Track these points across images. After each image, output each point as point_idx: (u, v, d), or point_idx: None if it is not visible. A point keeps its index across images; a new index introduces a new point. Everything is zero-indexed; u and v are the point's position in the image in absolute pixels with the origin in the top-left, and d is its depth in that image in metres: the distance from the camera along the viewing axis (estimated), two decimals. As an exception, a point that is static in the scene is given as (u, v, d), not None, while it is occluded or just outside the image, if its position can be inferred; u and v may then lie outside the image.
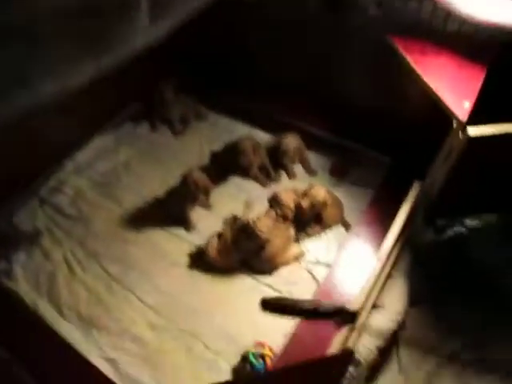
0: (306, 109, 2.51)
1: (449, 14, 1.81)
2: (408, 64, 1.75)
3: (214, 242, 1.91)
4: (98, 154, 2.52)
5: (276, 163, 2.33)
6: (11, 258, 2.00)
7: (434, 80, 1.66)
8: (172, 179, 2.25)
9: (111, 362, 1.67)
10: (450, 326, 1.84)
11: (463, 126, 1.50)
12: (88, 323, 1.79)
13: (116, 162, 2.48)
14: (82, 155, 2.49)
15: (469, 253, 2.04)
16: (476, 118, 1.49)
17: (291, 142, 2.27)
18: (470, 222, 2.10)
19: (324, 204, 1.91)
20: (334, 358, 1.06)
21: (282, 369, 1.21)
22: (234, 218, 2.03)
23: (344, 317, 1.53)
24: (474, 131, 1.47)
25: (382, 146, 2.26)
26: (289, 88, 2.54)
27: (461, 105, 1.56)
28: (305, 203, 1.87)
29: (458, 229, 2.10)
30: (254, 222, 1.82)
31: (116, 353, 1.70)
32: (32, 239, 2.10)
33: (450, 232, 2.10)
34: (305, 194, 1.92)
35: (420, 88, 1.70)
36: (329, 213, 1.96)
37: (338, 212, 2.01)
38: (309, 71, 2.47)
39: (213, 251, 1.88)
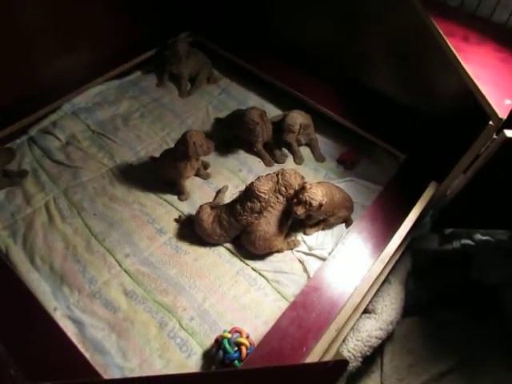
0: (325, 90, 2.33)
1: (498, 3, 1.64)
2: (448, 49, 1.58)
3: (207, 213, 1.77)
4: (97, 101, 2.35)
5: (282, 142, 2.17)
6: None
7: (475, 71, 1.51)
8: (172, 141, 2.11)
9: (77, 323, 1.56)
10: (441, 343, 1.75)
11: (500, 126, 1.35)
12: (60, 278, 1.68)
13: (115, 113, 2.32)
14: (81, 100, 2.33)
15: (472, 269, 1.93)
16: None
17: (298, 118, 2.08)
18: (480, 237, 1.98)
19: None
20: (326, 366, 0.95)
21: (267, 367, 1.10)
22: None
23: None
24: (511, 133, 1.33)
25: (400, 142, 2.10)
26: (310, 67, 2.36)
27: (501, 102, 1.40)
28: (300, 211, 1.67)
29: (466, 242, 1.98)
30: (254, 183, 1.73)
31: (84, 315, 1.58)
32: (15, 178, 1.96)
33: (456, 244, 1.98)
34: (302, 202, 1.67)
35: (454, 81, 1.55)
36: (333, 218, 1.83)
37: (345, 214, 1.87)
38: (335, 52, 2.29)
39: (204, 222, 1.75)
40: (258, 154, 2.16)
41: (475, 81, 1.48)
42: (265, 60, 2.48)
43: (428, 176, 1.89)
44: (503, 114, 1.39)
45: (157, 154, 2.04)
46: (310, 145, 2.21)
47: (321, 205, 1.65)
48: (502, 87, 1.50)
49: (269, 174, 1.82)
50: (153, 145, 2.18)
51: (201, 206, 1.81)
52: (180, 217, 1.88)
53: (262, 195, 1.71)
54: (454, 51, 1.58)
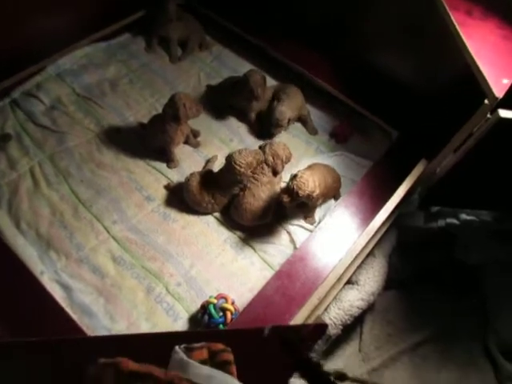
0: (321, 63, 2.29)
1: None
2: (451, 24, 1.56)
3: (196, 181, 1.77)
4: (83, 64, 2.27)
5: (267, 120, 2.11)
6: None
7: (475, 47, 1.49)
8: (161, 107, 2.05)
9: (65, 287, 1.57)
10: (419, 316, 1.81)
11: (495, 105, 1.35)
12: (46, 244, 1.67)
13: (102, 77, 2.24)
14: (66, 62, 2.24)
15: (455, 248, 1.98)
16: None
17: (287, 112, 2.01)
18: (465, 217, 2.02)
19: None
20: (307, 328, 0.99)
21: (250, 328, 1.14)
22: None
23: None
24: (505, 113, 1.33)
25: (393, 118, 2.09)
26: (308, 38, 2.30)
27: (498, 80, 1.40)
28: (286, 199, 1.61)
29: (451, 220, 2.02)
30: (233, 154, 1.69)
31: (72, 280, 1.59)
32: (-2, 142, 1.90)
33: (441, 222, 2.02)
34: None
35: (454, 56, 1.53)
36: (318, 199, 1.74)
37: (334, 193, 1.87)
38: (334, 25, 2.23)
39: (193, 190, 1.75)
40: (250, 124, 2.13)
41: (475, 57, 1.47)
42: (260, 28, 2.41)
43: (419, 153, 1.90)
44: (499, 93, 1.38)
45: (146, 121, 2.01)
46: (302, 120, 2.18)
47: (309, 196, 1.57)
48: (500, 66, 1.48)
49: (255, 149, 1.80)
50: (142, 111, 2.14)
51: (191, 174, 1.80)
52: (169, 184, 1.87)
53: (237, 168, 1.67)
54: (457, 26, 1.55)
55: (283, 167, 1.83)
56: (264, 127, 2.10)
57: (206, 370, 0.69)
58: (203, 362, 0.72)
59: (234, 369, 0.75)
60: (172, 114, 1.80)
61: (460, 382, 1.70)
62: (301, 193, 1.54)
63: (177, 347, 0.73)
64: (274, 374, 0.87)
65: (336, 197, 1.90)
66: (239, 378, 0.73)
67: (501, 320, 1.85)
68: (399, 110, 2.07)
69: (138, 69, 2.32)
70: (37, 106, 2.06)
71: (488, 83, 1.40)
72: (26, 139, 1.96)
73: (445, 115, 1.73)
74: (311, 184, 1.56)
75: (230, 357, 0.76)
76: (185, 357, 0.70)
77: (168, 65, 2.38)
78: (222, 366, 0.74)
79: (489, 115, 1.40)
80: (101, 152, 1.97)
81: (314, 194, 1.57)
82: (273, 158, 1.77)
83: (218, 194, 1.75)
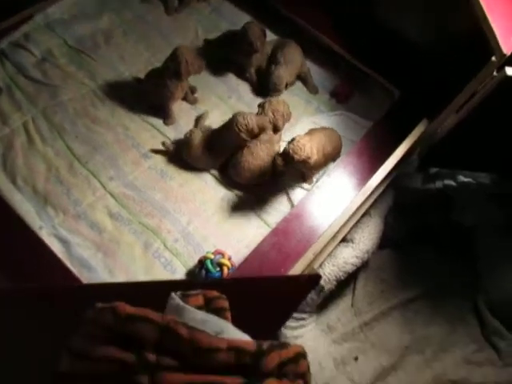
0: (324, 18, 2.19)
1: None
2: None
3: (198, 136, 1.74)
4: (74, 13, 2.17)
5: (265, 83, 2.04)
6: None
7: (486, 1, 1.43)
8: (157, 61, 2.01)
9: (63, 242, 1.58)
10: (412, 275, 1.86)
11: (503, 63, 1.32)
12: (43, 199, 1.67)
13: (96, 28, 2.15)
14: (55, 10, 2.14)
15: (451, 209, 1.99)
16: None
17: (284, 77, 1.96)
18: (463, 179, 2.02)
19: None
20: (301, 279, 1.01)
21: (246, 278, 1.16)
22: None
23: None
24: None
25: (396, 77, 2.03)
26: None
27: (508, 38, 1.36)
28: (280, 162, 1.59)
29: (448, 182, 2.02)
30: (237, 116, 1.68)
31: (70, 235, 1.60)
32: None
33: (438, 183, 2.02)
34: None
35: (463, 10, 1.46)
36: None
37: (332, 159, 1.83)
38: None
39: (194, 145, 1.73)
40: (249, 80, 2.08)
41: (486, 12, 1.41)
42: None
43: (420, 113, 1.86)
44: (507, 51, 1.34)
45: (142, 76, 1.95)
46: (302, 78, 2.11)
47: (305, 161, 1.53)
48: (510, 23, 1.43)
49: (261, 116, 1.74)
50: (137, 66, 2.06)
51: (191, 130, 1.78)
52: (165, 143, 1.84)
53: (237, 131, 1.65)
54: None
55: (284, 124, 1.80)
56: (263, 87, 2.05)
57: (202, 314, 0.70)
58: (199, 308, 0.74)
59: (228, 315, 0.77)
60: (173, 69, 1.75)
61: (448, 336, 1.77)
62: (296, 157, 1.51)
63: (173, 293, 0.74)
64: (267, 322, 0.90)
65: (335, 159, 1.88)
66: (233, 324, 0.75)
67: (491, 279, 1.90)
68: (402, 68, 2.01)
69: (132, 20, 2.23)
70: (27, 58, 1.99)
71: (497, 39, 1.36)
72: (17, 93, 1.90)
73: (449, 74, 1.69)
74: (308, 150, 1.52)
75: (225, 304, 0.78)
76: (181, 302, 0.71)
77: (163, 17, 2.28)
78: (218, 311, 0.76)
79: (495, 73, 1.37)
80: (96, 107, 1.92)
81: (310, 161, 1.54)
82: (273, 114, 1.74)
83: (217, 151, 1.74)
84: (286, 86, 2.03)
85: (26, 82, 1.94)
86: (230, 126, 1.68)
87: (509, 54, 1.35)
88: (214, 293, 0.78)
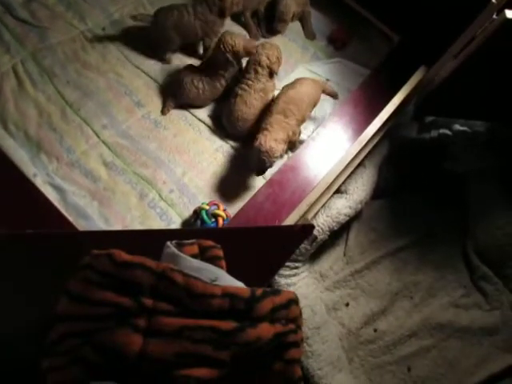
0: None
1: None
2: None
3: (189, 71, 1.73)
4: None
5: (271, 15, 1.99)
6: None
7: None
8: (148, 3, 1.91)
9: (58, 189, 1.58)
10: (403, 224, 1.89)
11: (502, 5, 1.27)
12: (36, 146, 1.64)
13: (84, -35, 2.02)
14: None
15: (446, 157, 1.99)
16: None
17: (292, 5, 1.91)
18: (458, 127, 2.01)
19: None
20: (294, 229, 1.03)
21: (240, 228, 1.19)
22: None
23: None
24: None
25: (395, 21, 1.95)
26: None
27: None
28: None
29: (444, 131, 2.01)
30: (224, 34, 1.65)
31: (64, 182, 1.60)
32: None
33: (434, 133, 2.01)
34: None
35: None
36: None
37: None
38: None
39: (187, 81, 1.71)
40: (244, 25, 1.99)
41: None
42: None
43: (419, 60, 1.82)
44: (507, -9, 1.29)
45: (131, 19, 1.85)
46: (302, 19, 2.03)
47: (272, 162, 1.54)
48: None
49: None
50: (128, 7, 1.97)
51: (184, 67, 1.75)
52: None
53: (223, 49, 1.63)
54: None
55: (278, 67, 1.75)
56: (264, 25, 1.99)
57: (197, 262, 0.72)
58: (194, 257, 0.76)
59: (223, 263, 0.79)
60: (219, 6, 1.72)
61: (437, 281, 1.84)
62: (271, 162, 1.52)
63: (168, 242, 0.76)
64: (260, 271, 0.93)
65: (334, 96, 1.79)
66: (228, 273, 0.77)
67: (481, 225, 1.94)
68: (401, 13, 1.92)
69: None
70: (14, -2, 1.88)
71: None
72: (5, 34, 1.82)
73: (448, 18, 1.63)
74: (277, 152, 1.51)
75: (220, 253, 0.80)
76: (176, 251, 0.73)
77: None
78: (212, 260, 0.78)
79: (495, 16, 1.32)
80: (86, 51, 1.85)
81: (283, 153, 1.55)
82: (268, 59, 1.68)
83: (210, 81, 1.71)
84: (293, 18, 1.97)
85: (13, 22, 1.85)
86: (218, 44, 1.65)
87: None
88: (209, 242, 0.80)
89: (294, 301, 0.74)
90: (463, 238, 1.95)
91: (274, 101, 1.64)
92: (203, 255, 0.78)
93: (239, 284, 0.74)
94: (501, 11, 1.31)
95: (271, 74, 1.71)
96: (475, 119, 2.01)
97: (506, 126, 1.99)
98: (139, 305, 0.63)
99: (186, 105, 1.78)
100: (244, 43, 1.65)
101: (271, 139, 1.50)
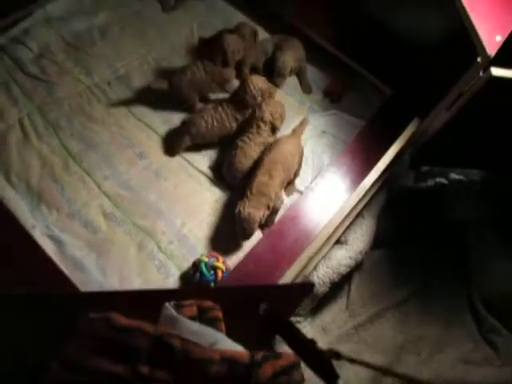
0: (317, 16, 2.19)
1: None
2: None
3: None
4: (72, 10, 2.16)
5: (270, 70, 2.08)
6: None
7: (469, 1, 1.45)
8: (153, 60, 2.00)
9: (56, 241, 1.57)
10: (404, 274, 1.87)
11: (487, 63, 1.33)
12: (37, 197, 1.66)
13: (92, 24, 2.14)
14: (54, 7, 2.13)
15: (442, 206, 2.01)
16: (504, 57, 1.32)
17: (289, 62, 2.00)
18: (454, 176, 2.04)
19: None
20: (293, 288, 1.02)
21: (238, 286, 1.17)
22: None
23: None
24: (497, 72, 1.32)
25: (387, 75, 2.04)
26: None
27: (492, 38, 1.37)
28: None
29: (440, 180, 2.04)
30: (251, 76, 1.84)
31: (63, 234, 1.59)
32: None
33: (430, 182, 2.04)
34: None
35: (448, 11, 1.48)
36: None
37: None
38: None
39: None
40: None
41: (469, 13, 1.42)
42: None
43: (412, 112, 1.87)
44: (492, 51, 1.35)
45: (137, 73, 1.97)
46: (299, 73, 2.12)
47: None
48: (494, 22, 1.44)
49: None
50: (133, 63, 2.06)
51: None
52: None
53: (250, 88, 1.75)
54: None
55: (281, 124, 1.80)
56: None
57: (196, 326, 0.71)
58: (193, 319, 0.74)
59: (222, 325, 0.78)
60: (222, 59, 1.89)
61: (443, 334, 1.78)
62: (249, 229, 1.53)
63: (167, 304, 0.74)
64: (261, 331, 0.90)
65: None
66: (227, 334, 0.75)
67: (483, 273, 1.91)
68: (393, 67, 2.01)
69: (129, 17, 2.21)
70: (25, 53, 1.99)
71: (481, 40, 1.37)
72: (14, 88, 1.90)
73: (439, 73, 1.70)
74: (257, 218, 1.52)
75: (219, 314, 0.79)
76: (175, 313, 0.72)
77: (160, 13, 2.26)
78: (212, 322, 0.77)
79: (481, 73, 1.38)
80: (91, 105, 1.91)
81: (254, 224, 1.53)
82: (271, 115, 1.74)
83: (220, 118, 1.79)
84: (291, 72, 2.06)
85: (23, 77, 1.93)
86: (242, 85, 1.79)
87: (493, 54, 1.36)
88: (208, 303, 0.78)
89: (295, 365, 0.72)
90: (467, 287, 1.92)
91: (257, 163, 1.67)
92: (202, 317, 0.77)
93: (239, 348, 0.72)
94: (487, 68, 1.37)
95: (273, 129, 1.76)
96: (470, 168, 2.05)
97: (499, 176, 2.02)
98: (135, 372, 0.61)
99: (196, 141, 1.81)
100: (266, 87, 1.77)
101: (250, 206, 1.53)
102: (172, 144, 1.83)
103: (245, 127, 1.79)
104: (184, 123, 1.80)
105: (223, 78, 1.92)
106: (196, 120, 1.77)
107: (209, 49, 1.91)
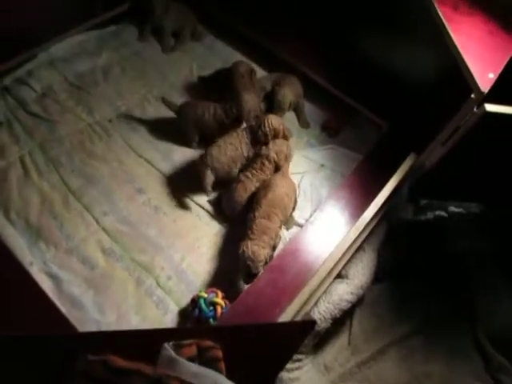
0: (312, 53, 2.28)
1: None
2: (438, 18, 1.58)
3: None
4: (76, 52, 2.25)
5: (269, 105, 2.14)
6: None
7: (461, 41, 1.51)
8: (153, 98, 2.06)
9: (54, 278, 1.56)
10: (407, 309, 1.84)
11: (481, 100, 1.37)
12: (36, 233, 1.65)
13: (94, 65, 2.22)
14: (58, 49, 2.22)
15: (443, 239, 2.00)
16: (497, 93, 1.36)
17: (288, 96, 2.08)
18: (453, 209, 2.04)
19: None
20: (294, 326, 1.00)
21: (238, 325, 1.14)
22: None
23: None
24: (491, 107, 1.35)
25: (383, 111, 2.09)
26: (299, 26, 2.30)
27: (484, 75, 1.42)
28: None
29: (439, 213, 2.04)
30: (270, 115, 1.86)
31: (61, 271, 1.58)
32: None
33: (429, 215, 2.04)
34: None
35: (441, 50, 1.55)
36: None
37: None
38: (324, 15, 2.22)
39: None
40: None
41: (461, 52, 1.48)
42: (251, 18, 2.39)
43: (408, 146, 1.91)
44: (485, 88, 1.40)
45: (138, 112, 2.01)
46: (297, 109, 2.18)
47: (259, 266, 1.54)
48: (486, 60, 1.50)
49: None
50: (134, 102, 2.12)
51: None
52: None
53: (266, 126, 1.80)
54: (444, 20, 1.56)
55: (286, 163, 1.84)
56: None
57: (195, 367, 0.69)
58: (192, 359, 0.72)
59: (222, 365, 0.76)
60: (236, 115, 1.92)
61: (449, 372, 1.72)
62: (254, 268, 1.52)
63: (166, 344, 0.73)
64: (261, 370, 0.88)
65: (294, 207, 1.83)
66: (228, 374, 0.73)
67: (489, 311, 1.87)
68: (389, 103, 2.07)
69: (130, 57, 2.30)
70: (28, 94, 2.04)
71: (474, 78, 1.42)
72: (17, 127, 1.94)
73: (434, 109, 1.75)
74: (262, 257, 1.52)
75: (219, 354, 0.77)
76: (173, 354, 0.70)
77: (160, 54, 2.36)
78: (211, 362, 0.75)
79: (475, 109, 1.41)
80: (92, 142, 1.95)
81: (259, 262, 1.52)
82: (276, 155, 1.78)
83: (233, 147, 1.82)
84: (290, 107, 2.12)
85: (25, 116, 1.98)
86: (259, 122, 1.84)
87: (486, 91, 1.40)
88: (208, 342, 0.77)
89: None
90: (471, 322, 1.88)
91: (254, 204, 1.66)
92: (202, 357, 0.75)
93: (239, 389, 0.70)
94: (481, 104, 1.41)
95: (277, 168, 1.80)
96: (468, 202, 2.06)
97: (497, 208, 2.03)
98: (133, 417, 0.59)
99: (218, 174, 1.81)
100: (280, 128, 1.83)
101: (253, 245, 1.52)
102: (200, 185, 1.80)
103: (249, 163, 1.83)
104: (201, 157, 1.82)
105: (228, 129, 1.93)
106: (211, 151, 1.79)
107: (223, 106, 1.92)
